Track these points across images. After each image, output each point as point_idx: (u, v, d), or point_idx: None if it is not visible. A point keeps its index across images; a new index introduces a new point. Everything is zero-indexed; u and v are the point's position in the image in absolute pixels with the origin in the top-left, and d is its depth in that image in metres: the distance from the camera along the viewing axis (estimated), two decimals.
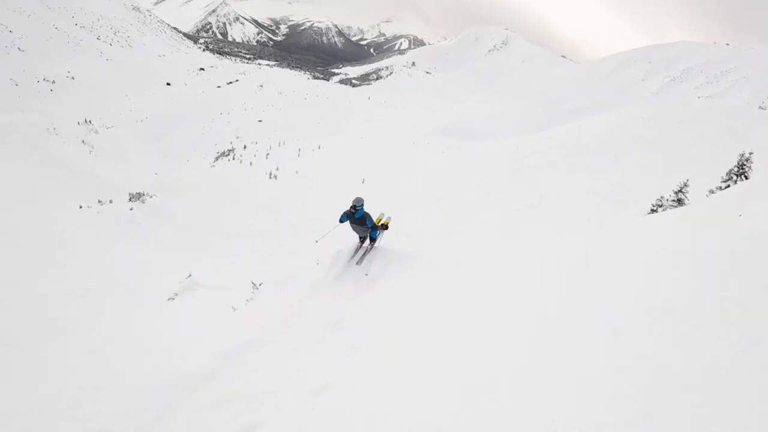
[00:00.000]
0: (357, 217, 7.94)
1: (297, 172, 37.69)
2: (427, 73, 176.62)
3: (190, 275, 12.28)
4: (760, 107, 54.21)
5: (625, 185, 20.57)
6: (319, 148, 59.61)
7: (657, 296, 3.93)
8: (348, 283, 8.37)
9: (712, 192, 7.83)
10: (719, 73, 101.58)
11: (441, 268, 8.18)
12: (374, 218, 9.37)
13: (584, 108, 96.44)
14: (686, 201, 7.77)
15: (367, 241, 8.80)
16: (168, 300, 10.69)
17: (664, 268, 4.40)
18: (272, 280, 9.36)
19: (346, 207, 8.34)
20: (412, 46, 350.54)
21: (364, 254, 8.54)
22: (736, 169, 8.02)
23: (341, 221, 8.15)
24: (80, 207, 29.75)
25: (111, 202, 30.93)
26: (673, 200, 7.75)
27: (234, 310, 8.44)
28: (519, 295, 5.50)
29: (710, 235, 4.80)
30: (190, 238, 23.13)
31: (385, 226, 9.15)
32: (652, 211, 8.12)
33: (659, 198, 8.16)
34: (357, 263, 8.30)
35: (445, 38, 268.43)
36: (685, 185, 7.93)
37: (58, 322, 8.41)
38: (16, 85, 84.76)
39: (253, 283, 9.43)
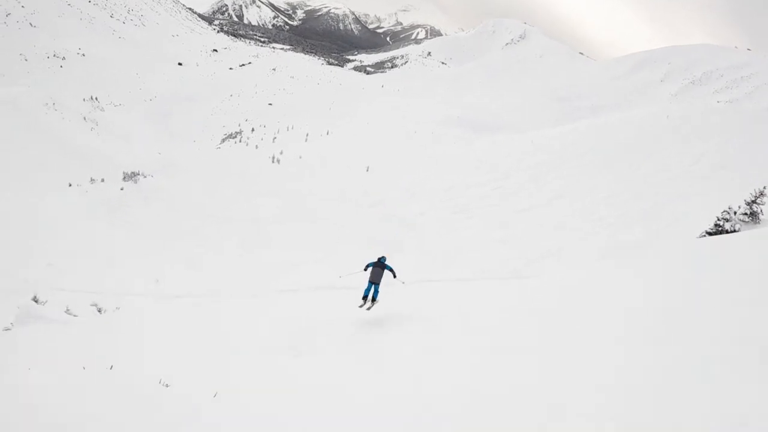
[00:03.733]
0: (383, 264, 10.28)
1: (301, 157, 36.32)
2: (443, 63, 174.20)
3: (34, 297, 11.03)
4: None
5: (645, 193, 18.84)
6: (327, 133, 58.43)
7: None
8: None
9: None
10: (739, 78, 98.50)
11: None
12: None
13: (602, 106, 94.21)
14: (761, 215, 6.27)
15: (369, 301, 10.38)
16: (5, 330, 9.42)
17: None
18: None
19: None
20: (429, 36, 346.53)
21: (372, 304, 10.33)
22: None
23: (368, 267, 10.37)
24: (69, 185, 28.66)
25: (103, 181, 29.76)
26: (744, 213, 6.26)
27: None
28: None
29: None
30: (173, 222, 22.03)
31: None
32: (716, 227, 6.60)
33: (726, 210, 6.65)
34: (367, 309, 10.19)
35: (462, 30, 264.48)
36: (762, 194, 6.41)
37: None
38: (26, 60, 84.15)
39: None
